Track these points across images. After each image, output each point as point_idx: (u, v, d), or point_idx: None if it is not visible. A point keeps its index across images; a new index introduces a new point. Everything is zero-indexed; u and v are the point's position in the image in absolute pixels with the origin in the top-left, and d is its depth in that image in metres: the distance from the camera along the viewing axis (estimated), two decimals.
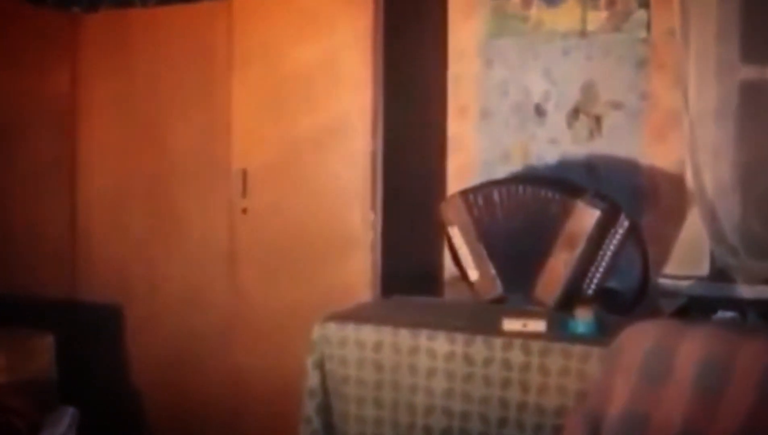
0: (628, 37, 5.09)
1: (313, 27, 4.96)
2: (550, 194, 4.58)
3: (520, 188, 4.68)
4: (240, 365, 5.17)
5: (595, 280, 4.51)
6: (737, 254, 4.94)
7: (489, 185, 4.81)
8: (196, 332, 5.30)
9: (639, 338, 3.42)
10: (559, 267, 4.50)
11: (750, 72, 4.96)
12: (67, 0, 5.54)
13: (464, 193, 4.81)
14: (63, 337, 4.82)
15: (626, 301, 4.62)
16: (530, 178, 5.05)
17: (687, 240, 5.05)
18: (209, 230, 5.25)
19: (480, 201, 4.73)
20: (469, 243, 4.73)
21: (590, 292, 4.51)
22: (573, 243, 4.47)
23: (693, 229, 5.03)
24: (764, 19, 4.91)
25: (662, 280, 4.97)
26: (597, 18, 5.14)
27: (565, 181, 4.82)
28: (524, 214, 4.65)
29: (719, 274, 4.98)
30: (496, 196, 4.71)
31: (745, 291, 4.89)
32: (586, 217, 4.45)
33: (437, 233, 5.07)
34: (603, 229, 4.46)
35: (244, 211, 5.11)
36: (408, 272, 5.08)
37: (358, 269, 4.90)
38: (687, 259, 5.05)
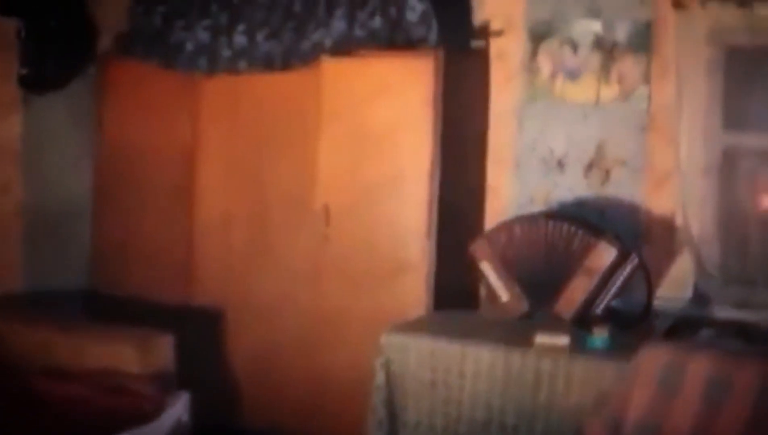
0: (633, 107, 4.93)
1: (384, 93, 4.84)
2: (573, 230, 4.46)
3: (542, 222, 4.56)
4: (320, 361, 5.03)
5: (604, 302, 4.38)
6: (715, 283, 4.80)
7: (510, 223, 4.68)
8: (284, 335, 5.18)
9: (655, 357, 3.30)
10: (577, 290, 4.37)
11: (731, 138, 4.83)
12: (191, 66, 5.43)
13: (487, 235, 4.72)
14: (180, 333, 4.64)
15: (628, 318, 4.42)
16: (549, 214, 4.84)
17: (674, 269, 4.90)
18: (298, 253, 5.13)
19: (502, 238, 4.59)
20: (497, 272, 4.57)
21: (599, 310, 4.37)
22: (591, 272, 4.35)
23: (679, 260, 4.88)
24: (742, 95, 4.81)
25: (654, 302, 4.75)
26: (609, 91, 4.98)
27: (584, 220, 4.64)
28: (546, 244, 4.52)
29: (700, 298, 4.82)
30: (517, 230, 4.58)
31: (722, 312, 4.71)
32: (606, 254, 4.34)
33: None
34: (617, 263, 4.35)
35: (326, 238, 4.98)
36: (452, 290, 4.93)
37: (415, 287, 4.78)
38: (674, 284, 4.87)
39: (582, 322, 4.24)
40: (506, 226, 4.65)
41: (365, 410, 4.23)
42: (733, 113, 4.82)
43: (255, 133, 5.27)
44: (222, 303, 5.32)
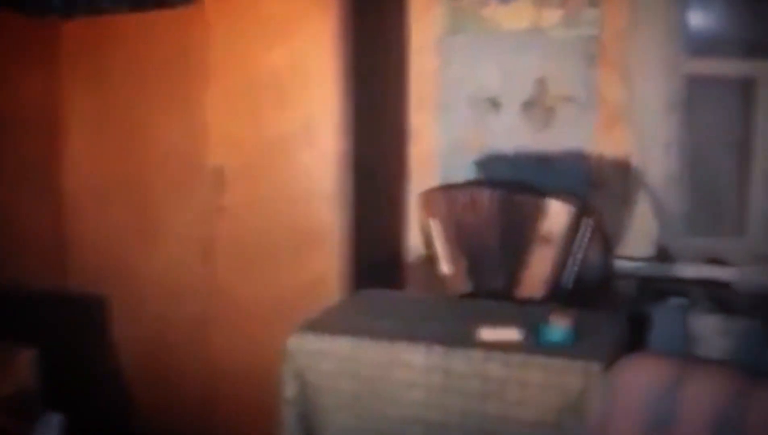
0: (580, 33, 4.36)
1: (282, 31, 4.12)
2: (517, 194, 3.81)
3: (497, 192, 3.84)
4: (215, 353, 4.40)
5: (573, 274, 3.77)
6: (680, 236, 4.28)
7: (470, 186, 4.00)
8: (175, 321, 4.52)
9: (641, 372, 2.59)
10: (539, 265, 3.76)
11: (696, 66, 4.27)
12: (43, 8, 4.67)
13: (447, 189, 4.00)
14: (54, 329, 4.11)
15: (590, 289, 3.84)
16: (500, 182, 4.16)
17: (634, 223, 4.34)
18: (188, 226, 4.43)
19: (462, 199, 3.88)
20: (446, 237, 3.90)
21: (570, 285, 3.76)
22: (549, 241, 3.73)
23: (639, 212, 4.32)
24: (708, 16, 4.33)
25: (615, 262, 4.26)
26: (550, 15, 4.40)
27: (526, 182, 4.04)
28: (500, 216, 3.83)
29: (665, 255, 4.28)
30: (477, 197, 3.87)
31: (688, 271, 4.21)
32: (560, 215, 3.73)
33: (400, 219, 4.38)
34: (574, 224, 3.73)
35: (221, 208, 4.28)
36: (374, 259, 4.32)
37: (329, 261, 4.10)
38: (633, 241, 4.32)
39: (553, 302, 3.65)
40: (467, 187, 3.98)
41: (267, 410, 3.60)
42: (698, 37, 4.30)
43: (129, 86, 4.55)
44: (102, 289, 4.65)
